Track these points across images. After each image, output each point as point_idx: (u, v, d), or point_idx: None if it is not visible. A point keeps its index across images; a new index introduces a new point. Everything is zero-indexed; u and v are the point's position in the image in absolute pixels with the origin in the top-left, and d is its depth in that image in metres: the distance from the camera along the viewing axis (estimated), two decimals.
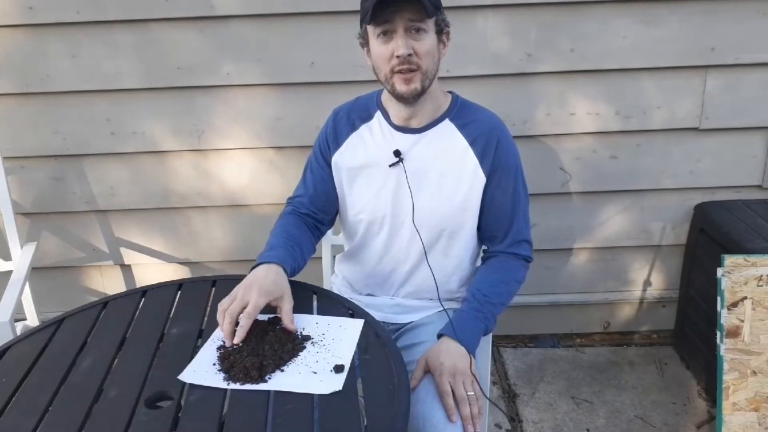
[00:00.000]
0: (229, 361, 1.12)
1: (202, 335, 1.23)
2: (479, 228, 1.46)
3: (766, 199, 2.22)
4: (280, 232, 1.42)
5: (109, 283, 2.40)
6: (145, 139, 2.17)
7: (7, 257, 2.03)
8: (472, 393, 1.24)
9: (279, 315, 1.23)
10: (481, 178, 1.39)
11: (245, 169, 2.22)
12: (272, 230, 1.45)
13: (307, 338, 1.20)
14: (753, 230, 1.99)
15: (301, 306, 1.31)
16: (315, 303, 1.34)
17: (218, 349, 1.17)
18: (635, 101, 2.15)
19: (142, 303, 1.36)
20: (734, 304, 1.75)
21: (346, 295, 1.50)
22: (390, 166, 1.40)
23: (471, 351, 1.31)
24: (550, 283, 2.42)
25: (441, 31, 1.33)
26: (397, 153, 1.39)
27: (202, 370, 1.11)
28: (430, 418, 1.22)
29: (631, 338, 2.49)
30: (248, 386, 1.07)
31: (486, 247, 1.52)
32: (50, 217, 2.28)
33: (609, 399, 2.17)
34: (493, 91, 2.13)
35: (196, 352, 1.16)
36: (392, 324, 1.53)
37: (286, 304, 1.22)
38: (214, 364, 1.13)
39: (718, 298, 1.76)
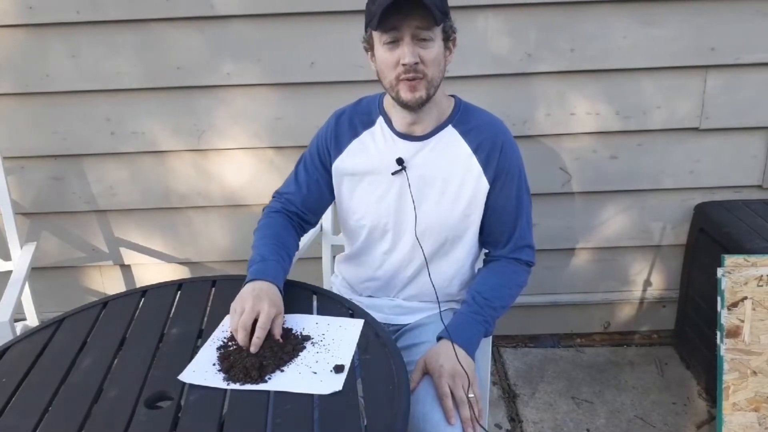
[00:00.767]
0: (229, 361, 1.12)
1: (202, 335, 1.23)
2: (481, 232, 1.45)
3: (766, 199, 2.22)
4: (271, 235, 1.39)
5: (109, 283, 2.40)
6: (145, 139, 2.17)
7: (7, 257, 2.03)
8: (473, 395, 1.24)
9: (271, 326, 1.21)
10: (484, 184, 1.38)
11: (245, 169, 2.22)
12: (260, 228, 1.43)
13: (307, 338, 1.20)
14: (753, 230, 1.99)
15: (301, 306, 1.31)
16: (315, 303, 1.34)
17: (218, 349, 1.17)
18: (635, 101, 2.15)
19: (141, 303, 1.36)
20: (734, 304, 1.75)
21: (345, 296, 1.50)
22: (393, 173, 1.39)
23: (470, 354, 1.31)
24: (550, 283, 2.42)
25: (448, 37, 1.31)
26: (400, 161, 1.38)
27: (202, 370, 1.11)
28: (430, 418, 1.22)
29: (631, 338, 2.49)
30: (248, 386, 1.07)
31: (488, 251, 1.51)
32: (50, 217, 2.28)
33: (609, 399, 2.17)
34: (493, 91, 2.13)
35: (196, 352, 1.16)
36: (392, 325, 1.52)
37: (279, 318, 1.22)
38: (214, 364, 1.13)
39: (718, 298, 1.76)
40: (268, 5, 2.01)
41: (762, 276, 1.75)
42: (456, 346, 1.29)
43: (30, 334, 1.25)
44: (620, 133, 2.20)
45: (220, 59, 2.08)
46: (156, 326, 1.26)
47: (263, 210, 1.50)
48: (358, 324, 1.24)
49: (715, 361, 1.78)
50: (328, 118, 1.50)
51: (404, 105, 1.31)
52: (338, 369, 1.10)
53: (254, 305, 1.18)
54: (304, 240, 1.79)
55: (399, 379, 1.08)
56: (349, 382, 1.07)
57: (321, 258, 1.97)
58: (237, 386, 1.07)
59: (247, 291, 1.22)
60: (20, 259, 1.99)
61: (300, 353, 1.15)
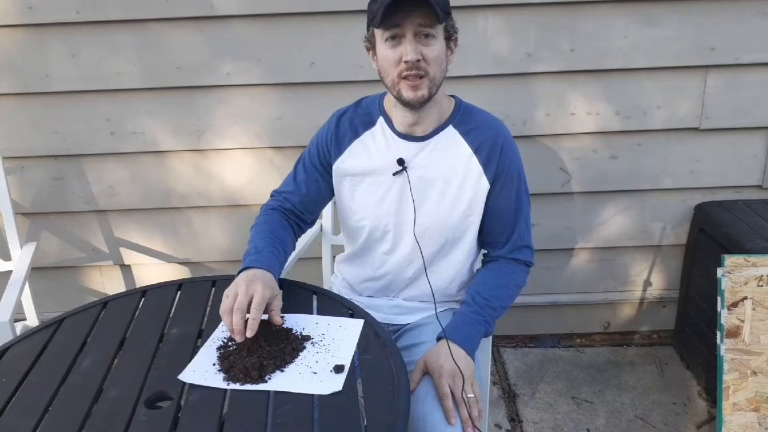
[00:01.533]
0: (229, 361, 1.12)
1: (202, 335, 1.23)
2: (481, 232, 1.45)
3: (766, 199, 2.22)
4: (267, 230, 1.39)
5: (108, 283, 2.40)
6: (145, 139, 2.17)
7: (7, 257, 2.03)
8: (472, 395, 1.24)
9: (268, 312, 1.20)
10: (485, 185, 1.38)
11: (245, 169, 2.22)
12: (257, 225, 1.43)
13: (307, 338, 1.20)
14: (753, 230, 1.99)
15: (301, 306, 1.31)
16: (315, 303, 1.34)
17: (218, 349, 1.17)
18: (635, 101, 2.15)
19: (141, 303, 1.36)
20: (734, 304, 1.75)
21: (345, 296, 1.49)
22: (393, 174, 1.39)
23: (471, 354, 1.31)
24: (550, 283, 2.42)
25: (450, 37, 1.31)
26: (400, 162, 1.38)
27: (202, 370, 1.11)
28: (430, 418, 1.22)
29: (631, 338, 2.49)
30: (248, 386, 1.07)
31: (486, 251, 1.52)
32: (50, 217, 2.28)
33: (609, 399, 2.17)
34: (493, 91, 2.13)
35: (196, 352, 1.16)
36: (392, 325, 1.52)
37: (277, 301, 1.21)
38: (214, 364, 1.13)
39: (718, 298, 1.76)
40: (268, 5, 2.01)
41: (762, 276, 1.75)
42: (456, 346, 1.29)
43: (30, 334, 1.25)
44: (620, 133, 2.20)
45: (220, 59, 2.08)
46: (156, 326, 1.26)
47: (261, 208, 1.51)
48: (358, 324, 1.24)
49: (715, 361, 1.78)
50: (327, 118, 1.49)
51: (406, 103, 1.31)
52: (338, 369, 1.10)
53: (248, 288, 1.17)
54: (304, 240, 1.79)
55: (399, 379, 1.08)
56: (349, 382, 1.07)
57: (321, 258, 1.97)
58: (237, 386, 1.07)
59: (240, 277, 1.22)
60: (20, 259, 1.99)
61: (300, 353, 1.15)
